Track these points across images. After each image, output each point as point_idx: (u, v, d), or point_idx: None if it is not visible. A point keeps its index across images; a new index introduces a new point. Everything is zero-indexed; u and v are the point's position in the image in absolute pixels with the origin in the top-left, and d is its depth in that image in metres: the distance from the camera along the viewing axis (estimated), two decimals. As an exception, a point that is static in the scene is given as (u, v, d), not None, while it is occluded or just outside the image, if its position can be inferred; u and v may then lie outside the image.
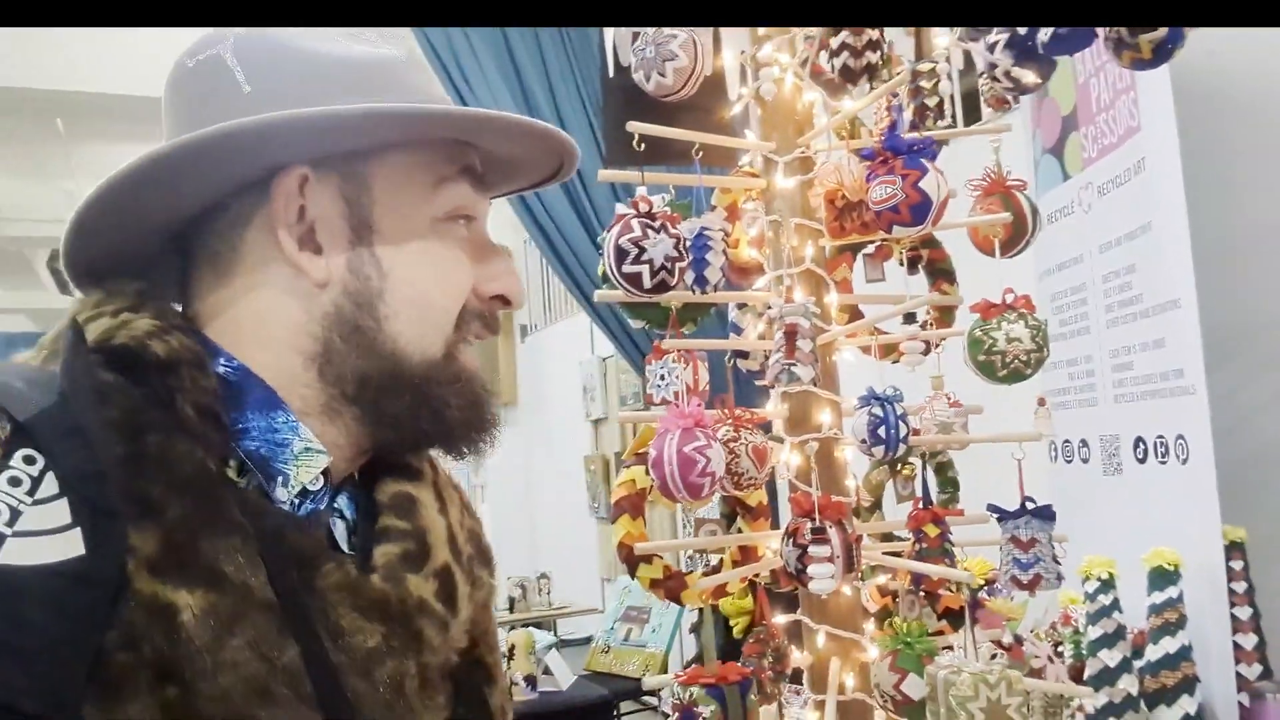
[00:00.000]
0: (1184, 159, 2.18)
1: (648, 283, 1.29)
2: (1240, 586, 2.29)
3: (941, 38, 1.42)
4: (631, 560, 1.43)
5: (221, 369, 0.76)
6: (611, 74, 1.58)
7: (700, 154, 1.45)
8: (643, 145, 1.31)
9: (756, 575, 1.53)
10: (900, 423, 1.34)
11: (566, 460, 6.96)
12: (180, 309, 0.81)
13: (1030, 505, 1.31)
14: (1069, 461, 2.81)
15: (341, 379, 0.77)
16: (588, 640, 5.25)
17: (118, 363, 0.70)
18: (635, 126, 1.33)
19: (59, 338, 0.73)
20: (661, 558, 1.45)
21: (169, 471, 0.68)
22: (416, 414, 0.79)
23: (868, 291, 1.70)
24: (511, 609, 5.19)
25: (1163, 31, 1.21)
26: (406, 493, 0.84)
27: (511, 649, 3.44)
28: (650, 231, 1.28)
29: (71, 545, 0.62)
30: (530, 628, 4.54)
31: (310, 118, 0.72)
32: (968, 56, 1.52)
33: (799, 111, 1.58)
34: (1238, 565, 2.29)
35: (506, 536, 7.18)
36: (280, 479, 0.75)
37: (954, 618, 1.69)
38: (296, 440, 0.76)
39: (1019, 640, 1.86)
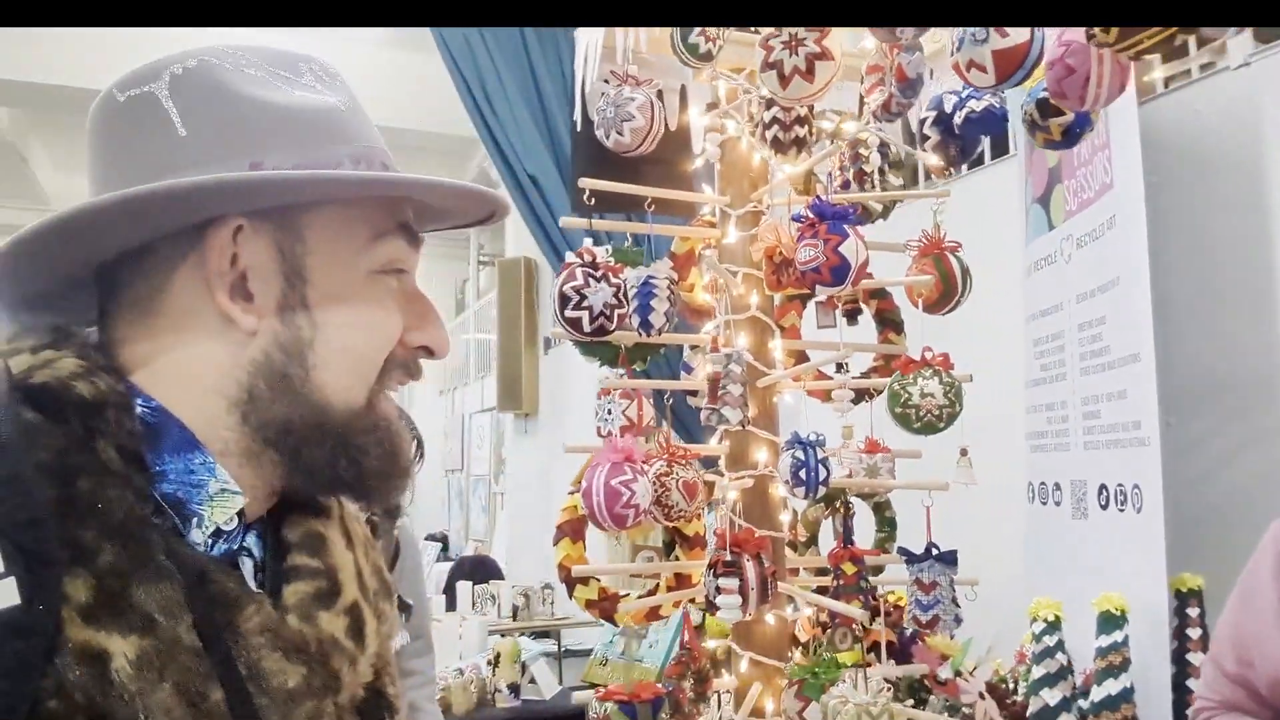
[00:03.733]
0: (1157, 215, 2.25)
1: (587, 327, 1.40)
2: (1195, 633, 2.35)
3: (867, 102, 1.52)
4: (570, 581, 1.54)
5: (139, 409, 0.74)
6: (579, 128, 1.69)
7: (652, 207, 1.56)
8: (593, 200, 1.41)
9: (693, 600, 1.64)
10: (821, 466, 1.44)
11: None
12: (95, 339, 0.80)
13: (935, 550, 1.40)
14: (1044, 504, 2.88)
15: (264, 425, 0.76)
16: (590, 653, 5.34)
17: (38, 402, 0.70)
18: (586, 183, 1.44)
19: None
20: (599, 580, 1.55)
21: (101, 516, 0.67)
22: (335, 462, 0.78)
23: (821, 338, 1.80)
24: (515, 617, 5.29)
25: (1070, 116, 1.30)
26: (316, 530, 0.83)
27: (497, 656, 3.55)
28: (592, 280, 1.39)
29: (5, 594, 0.61)
30: (525, 637, 4.64)
31: (252, 181, 0.72)
32: (907, 126, 1.62)
33: (754, 169, 1.69)
34: (1194, 612, 2.34)
35: (523, 546, 7.30)
36: (195, 520, 0.75)
37: (891, 651, 1.78)
38: (213, 481, 0.76)
39: (959, 675, 1.95)
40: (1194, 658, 2.34)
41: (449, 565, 6.48)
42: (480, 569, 6.44)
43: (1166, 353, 2.35)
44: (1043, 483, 2.89)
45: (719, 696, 1.43)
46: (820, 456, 1.45)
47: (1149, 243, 2.28)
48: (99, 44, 5.50)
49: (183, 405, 0.76)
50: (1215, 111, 2.55)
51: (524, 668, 3.59)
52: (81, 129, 0.82)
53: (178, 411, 0.77)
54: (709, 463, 1.62)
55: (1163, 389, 2.26)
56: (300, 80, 0.79)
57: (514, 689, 3.43)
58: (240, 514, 0.78)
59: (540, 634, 5.50)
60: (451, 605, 5.14)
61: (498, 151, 4.29)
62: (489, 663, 3.45)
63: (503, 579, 6.14)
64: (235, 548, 0.78)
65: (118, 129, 0.77)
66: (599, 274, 1.38)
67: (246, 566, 0.80)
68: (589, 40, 1.66)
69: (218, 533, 0.76)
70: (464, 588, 5.15)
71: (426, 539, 8.01)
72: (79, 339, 0.76)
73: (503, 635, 4.38)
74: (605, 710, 1.37)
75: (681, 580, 1.59)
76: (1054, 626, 2.18)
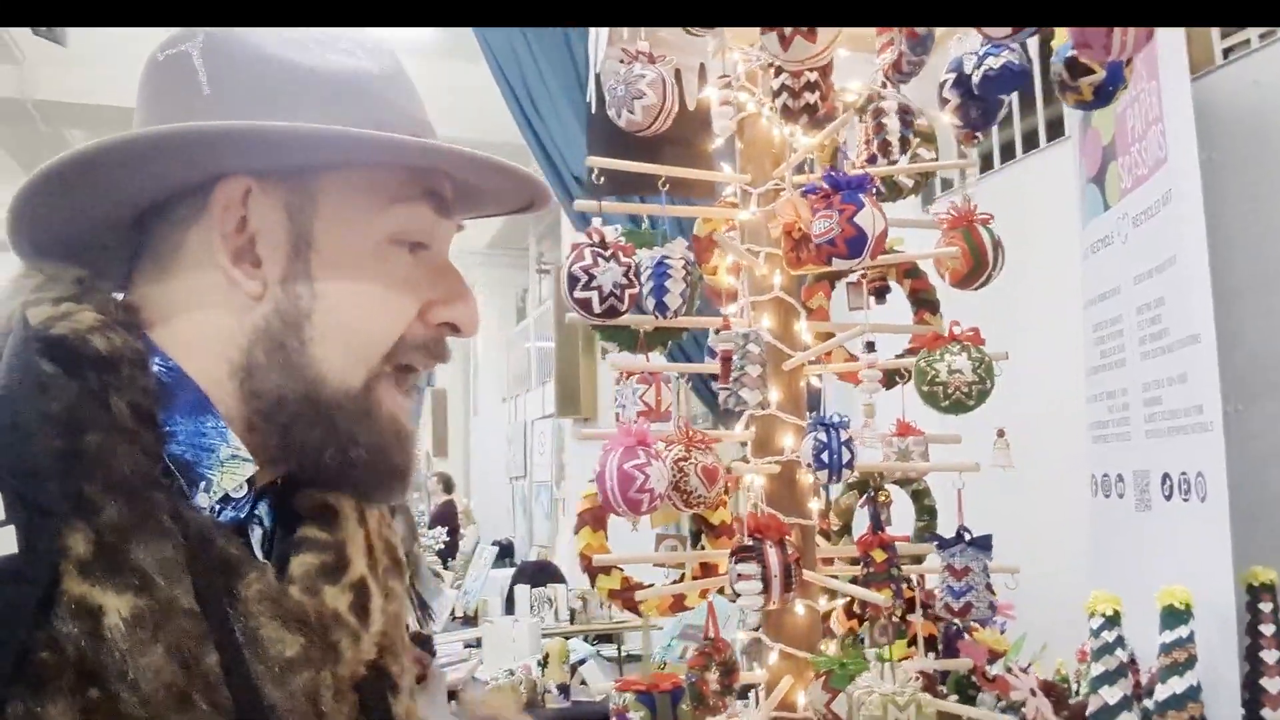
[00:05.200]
0: (1215, 191, 2.14)
1: (597, 308, 1.36)
2: (1269, 629, 2.22)
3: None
4: (591, 570, 1.50)
5: (156, 368, 0.73)
6: (593, 110, 1.66)
7: (667, 186, 1.52)
8: (601, 179, 1.38)
9: (721, 590, 1.59)
10: (844, 448, 1.39)
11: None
12: (121, 297, 0.79)
13: (966, 535, 1.33)
14: (1106, 496, 2.76)
15: (259, 395, 0.75)
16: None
17: (55, 354, 0.69)
18: (594, 161, 1.41)
19: (4, 325, 0.71)
20: (621, 569, 1.51)
21: (106, 472, 0.66)
22: (323, 447, 0.76)
23: (853, 320, 1.74)
24: (572, 620, 5.27)
25: (1100, 73, 1.23)
26: (327, 502, 0.81)
27: (546, 657, 3.52)
28: (601, 260, 1.36)
29: (4, 542, 0.61)
30: (577, 639, 4.61)
31: (252, 131, 0.71)
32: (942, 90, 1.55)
33: (775, 145, 1.64)
34: (1267, 608, 2.22)
35: (583, 550, 7.31)
36: (203, 484, 0.74)
37: (933, 645, 1.71)
38: (224, 446, 0.75)
39: (1009, 671, 1.87)
40: (1268, 655, 2.22)
41: (510, 571, 6.49)
42: (542, 574, 6.43)
43: (1229, 336, 2.23)
44: (1105, 474, 2.78)
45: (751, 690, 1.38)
46: (844, 439, 1.39)
47: (1207, 220, 2.17)
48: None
49: (192, 367, 0.75)
50: (1276, 83, 2.43)
51: (574, 669, 3.57)
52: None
53: (190, 372, 0.75)
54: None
55: (1226, 374, 2.14)
56: (337, 45, 0.77)
57: (564, 690, 3.41)
58: (250, 481, 0.76)
59: (603, 638, 5.47)
60: (510, 609, 5.14)
61: (544, 155, 4.28)
62: (539, 663, 3.43)
63: (564, 583, 6.13)
64: (243, 515, 0.77)
65: (152, 87, 0.77)
66: (608, 254, 1.34)
67: (255, 535, 0.79)
68: (603, 20, 1.62)
69: (226, 499, 0.75)
70: (522, 591, 5.15)
71: (492, 545, 8.04)
72: (101, 293, 0.75)
73: (566, 638, 4.36)
74: (624, 701, 1.33)
75: (707, 569, 1.55)
76: (1113, 622, 2.08)
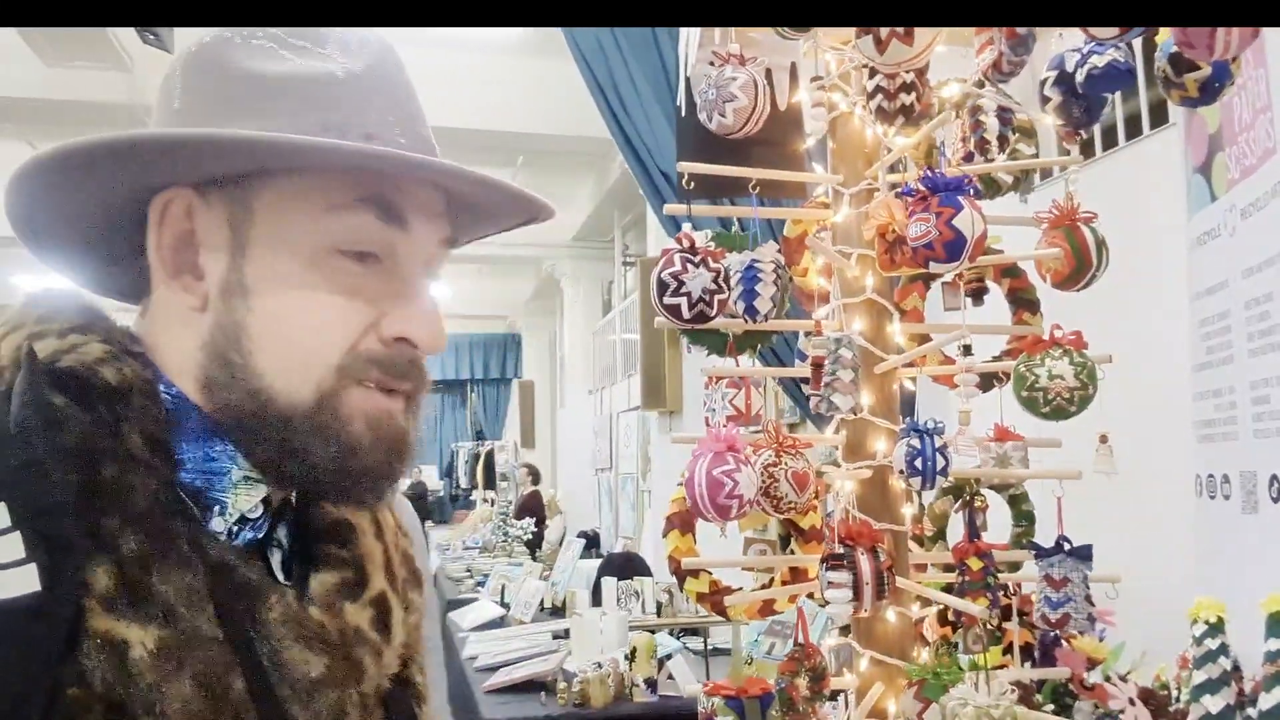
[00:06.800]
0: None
1: (686, 313, 1.36)
2: (1390, 643, 2.12)
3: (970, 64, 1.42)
4: (680, 573, 1.50)
5: (163, 395, 0.73)
6: (683, 113, 1.66)
7: (757, 189, 1.51)
8: (692, 184, 1.37)
9: (811, 595, 1.58)
10: (939, 455, 1.36)
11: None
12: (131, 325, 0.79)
13: (1066, 544, 1.30)
14: (1212, 497, 2.66)
15: (221, 410, 0.73)
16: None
17: (65, 387, 0.69)
18: (685, 166, 1.41)
19: (9, 357, 0.71)
20: (709, 572, 1.51)
21: (124, 504, 0.66)
22: (282, 461, 0.74)
23: (948, 321, 1.70)
24: (659, 613, 5.28)
25: (1206, 69, 1.19)
26: (344, 519, 0.81)
27: (634, 651, 3.54)
28: (690, 266, 1.36)
29: (26, 580, 0.61)
30: (664, 633, 4.62)
31: (166, 138, 0.71)
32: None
33: (867, 144, 1.61)
34: (1387, 619, 2.12)
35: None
36: (217, 508, 0.73)
37: (1029, 653, 1.67)
38: (235, 469, 0.74)
39: (1108, 680, 1.82)
40: (1389, 668, 2.11)
41: (597, 562, 6.54)
42: (628, 566, 6.47)
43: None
44: (1210, 475, 2.67)
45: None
46: (938, 445, 1.37)
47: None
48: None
49: (180, 387, 0.74)
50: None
51: (660, 664, 3.57)
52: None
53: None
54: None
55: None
56: (316, 50, 0.75)
57: (651, 684, 3.42)
58: (265, 501, 0.76)
59: (689, 631, 5.48)
60: (596, 600, 5.18)
61: (631, 151, 4.29)
62: (627, 657, 3.45)
63: (650, 575, 6.15)
64: (261, 536, 0.77)
65: (156, 104, 0.78)
66: (697, 259, 1.34)
67: (276, 558, 0.78)
68: (692, 22, 1.62)
69: (242, 520, 0.75)
70: (609, 584, 5.18)
71: (578, 536, 8.12)
72: (106, 322, 0.75)
73: (653, 631, 4.38)
74: (712, 705, 1.33)
75: (797, 574, 1.54)
76: (1216, 629, 2.00)
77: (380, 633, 0.77)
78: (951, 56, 1.59)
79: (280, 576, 0.77)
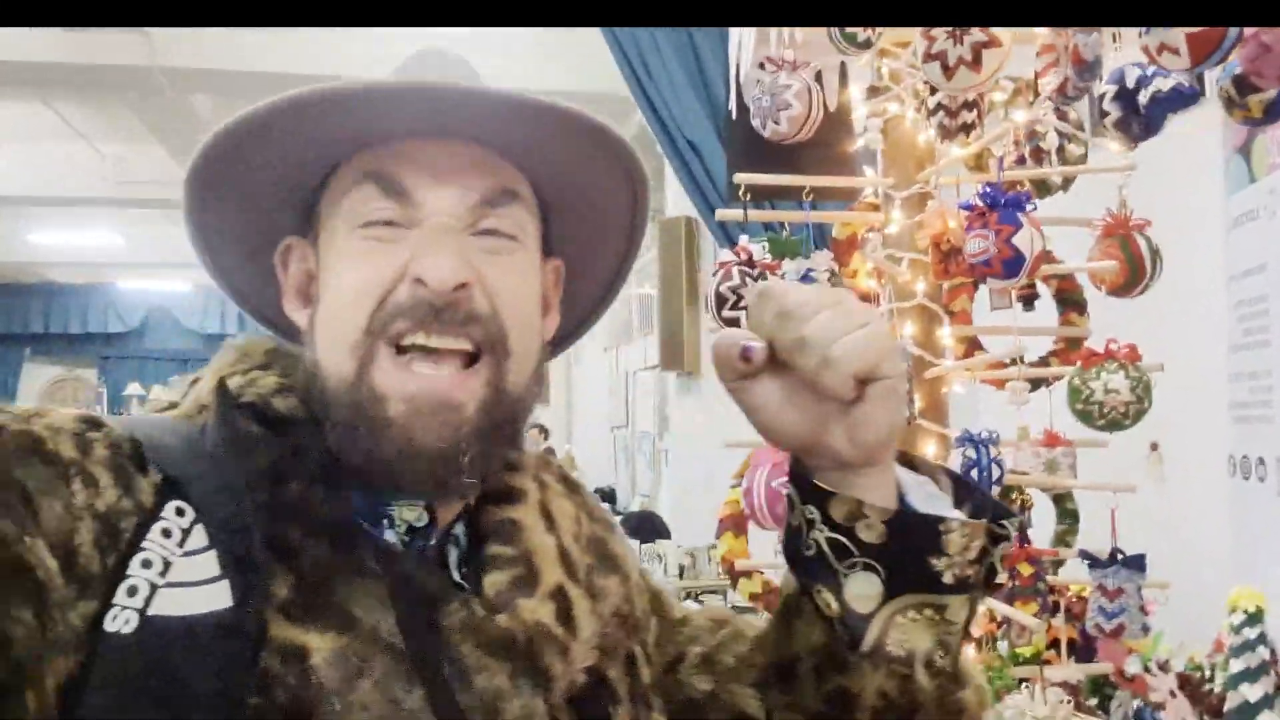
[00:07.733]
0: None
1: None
2: None
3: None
4: (734, 575, 1.53)
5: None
6: (734, 115, 1.65)
7: (810, 195, 1.51)
8: (748, 195, 1.38)
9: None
10: (994, 465, 1.38)
11: (749, 431, 7.01)
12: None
13: (1120, 555, 1.32)
14: (1246, 478, 2.67)
15: (327, 424, 0.75)
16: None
17: (251, 415, 0.74)
18: (742, 178, 1.41)
19: (208, 395, 0.76)
20: (762, 573, 1.54)
21: (307, 517, 0.70)
22: (348, 454, 0.74)
23: (993, 319, 1.71)
24: (681, 576, 5.36)
25: (1272, 92, 1.18)
26: (507, 518, 0.80)
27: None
28: (749, 279, 1.37)
29: (219, 597, 0.64)
30: (689, 598, 4.68)
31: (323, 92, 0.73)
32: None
33: (919, 148, 1.61)
34: None
35: (689, 505, 7.35)
36: (386, 521, 0.76)
37: (1073, 648, 1.70)
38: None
39: (1147, 670, 1.85)
40: None
41: (616, 520, 6.61)
42: (647, 525, 6.53)
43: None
44: (1245, 456, 2.69)
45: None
46: (993, 455, 1.39)
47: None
48: (286, 30, 5.77)
49: None
50: None
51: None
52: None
53: None
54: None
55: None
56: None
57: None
58: (430, 509, 0.77)
59: (710, 593, 5.54)
60: (617, 562, 5.24)
61: (655, 118, 4.26)
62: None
63: (669, 537, 6.21)
64: (432, 543, 0.77)
65: None
66: (756, 273, 1.35)
67: (453, 557, 0.79)
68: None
69: (411, 530, 0.77)
70: (631, 546, 5.24)
71: (594, 492, 8.19)
72: (287, 359, 0.80)
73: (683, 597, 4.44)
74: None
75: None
76: (1255, 618, 2.03)
77: (564, 627, 0.75)
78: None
79: (457, 575, 0.78)
